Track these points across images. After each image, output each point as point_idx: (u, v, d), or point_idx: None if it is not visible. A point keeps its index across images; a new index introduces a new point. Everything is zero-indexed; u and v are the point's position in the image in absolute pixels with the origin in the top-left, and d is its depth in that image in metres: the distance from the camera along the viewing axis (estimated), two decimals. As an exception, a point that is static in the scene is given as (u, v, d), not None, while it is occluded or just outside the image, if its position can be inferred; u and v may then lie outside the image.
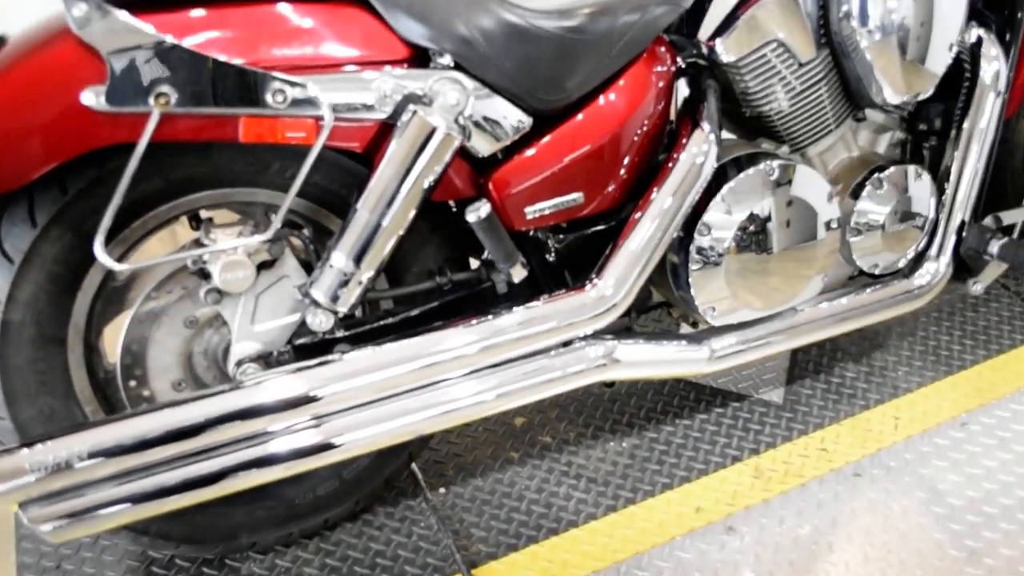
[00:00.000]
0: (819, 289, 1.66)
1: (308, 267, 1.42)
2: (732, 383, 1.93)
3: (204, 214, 1.40)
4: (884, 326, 2.00)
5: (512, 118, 1.36)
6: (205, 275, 1.36)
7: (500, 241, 1.40)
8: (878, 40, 1.52)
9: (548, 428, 1.82)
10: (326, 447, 1.35)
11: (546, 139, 1.40)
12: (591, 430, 1.82)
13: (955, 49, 1.60)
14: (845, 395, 1.93)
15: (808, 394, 1.92)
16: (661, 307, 1.76)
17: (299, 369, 1.33)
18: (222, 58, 1.16)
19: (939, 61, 1.60)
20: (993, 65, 1.67)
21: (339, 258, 1.33)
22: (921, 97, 1.64)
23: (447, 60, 1.31)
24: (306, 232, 1.41)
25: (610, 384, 1.70)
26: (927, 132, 1.78)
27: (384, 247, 1.33)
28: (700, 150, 1.46)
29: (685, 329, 1.69)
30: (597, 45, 1.37)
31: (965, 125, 1.72)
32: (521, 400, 1.46)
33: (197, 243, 1.36)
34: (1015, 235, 1.83)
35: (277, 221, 1.27)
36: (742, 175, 1.51)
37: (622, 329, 1.58)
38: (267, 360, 1.40)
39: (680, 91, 1.59)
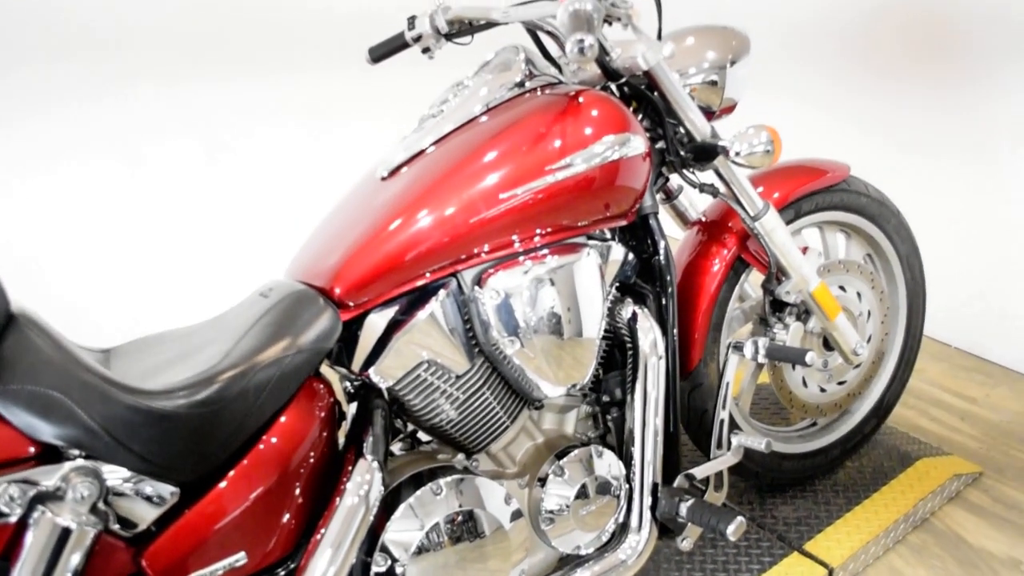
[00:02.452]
0: (522, 582, 1.68)
1: None
2: None
3: None
4: (627, 580, 2.02)
5: (155, 493, 1.36)
6: None
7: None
8: (521, 347, 1.61)
9: None
10: None
11: (197, 505, 1.39)
12: None
13: (600, 336, 1.71)
14: (593, 668, 1.90)
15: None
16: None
17: None
18: None
19: (590, 349, 1.71)
20: (648, 336, 1.78)
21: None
22: (579, 385, 1.73)
23: (77, 451, 1.31)
24: None
25: None
26: (609, 403, 1.86)
27: (29, 655, 1.28)
28: (364, 479, 1.48)
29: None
30: (231, 411, 1.38)
31: (636, 392, 1.80)
32: None
33: None
34: (710, 487, 1.90)
35: None
36: (413, 497, 1.54)
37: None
38: None
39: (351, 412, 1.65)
